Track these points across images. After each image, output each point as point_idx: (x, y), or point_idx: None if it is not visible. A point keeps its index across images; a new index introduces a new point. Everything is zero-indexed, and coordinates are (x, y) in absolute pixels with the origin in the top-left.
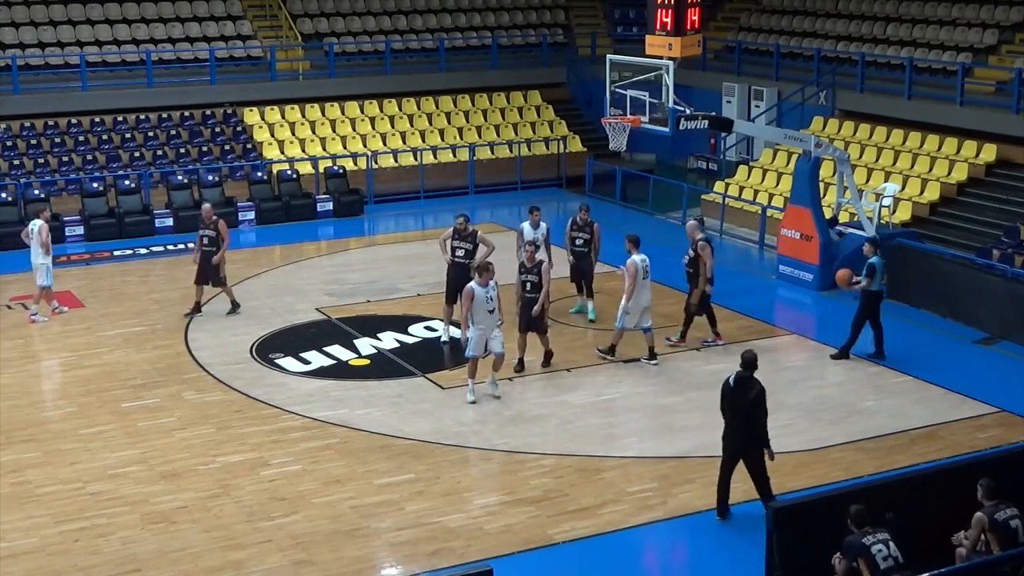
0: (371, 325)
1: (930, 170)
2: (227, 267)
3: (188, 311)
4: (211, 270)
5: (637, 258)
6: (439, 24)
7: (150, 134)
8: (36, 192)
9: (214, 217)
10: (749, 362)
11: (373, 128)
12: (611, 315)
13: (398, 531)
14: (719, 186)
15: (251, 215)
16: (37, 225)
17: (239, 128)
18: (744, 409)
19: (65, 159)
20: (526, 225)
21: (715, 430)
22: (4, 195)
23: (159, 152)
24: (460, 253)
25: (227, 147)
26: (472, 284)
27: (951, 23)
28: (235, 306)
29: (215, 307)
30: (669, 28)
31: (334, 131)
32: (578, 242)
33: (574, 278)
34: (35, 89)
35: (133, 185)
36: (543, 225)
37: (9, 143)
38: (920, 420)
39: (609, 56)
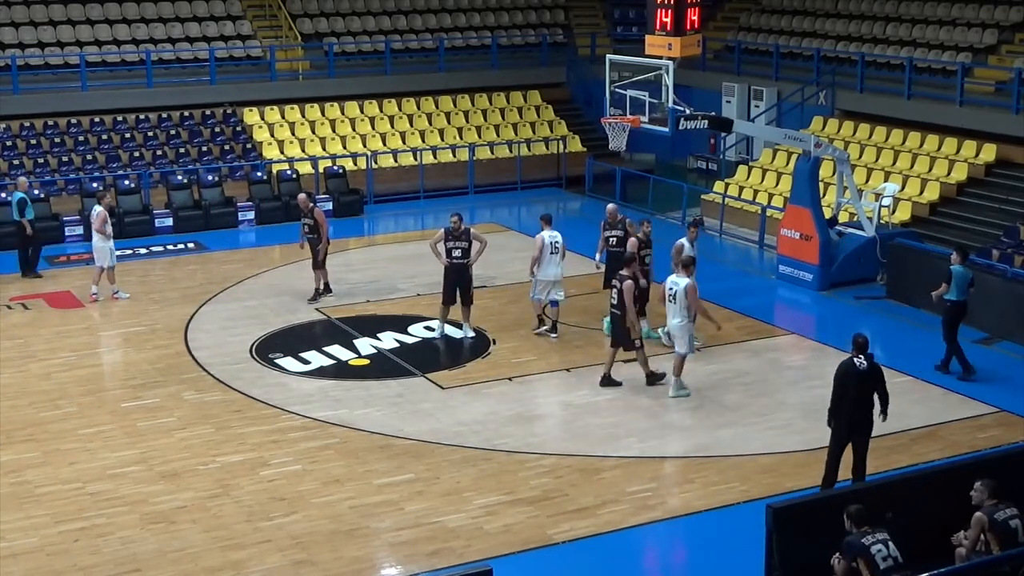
0: (371, 325)
1: (930, 170)
2: (228, 267)
3: (312, 296)
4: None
5: (545, 234)
6: (439, 24)
7: (150, 134)
8: (36, 192)
9: (311, 205)
10: (863, 345)
11: (373, 128)
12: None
13: (398, 531)
14: (719, 186)
15: (251, 215)
16: (96, 210)
17: (239, 128)
18: (873, 388)
19: (65, 159)
20: (684, 241)
21: (715, 430)
22: (4, 195)
23: (159, 152)
24: (457, 253)
25: (227, 147)
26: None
27: (951, 23)
28: (326, 289)
29: (216, 307)
30: (669, 28)
31: (334, 131)
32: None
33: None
34: (35, 89)
35: (133, 185)
36: (696, 244)
37: (9, 143)
38: (920, 420)
39: (609, 56)
